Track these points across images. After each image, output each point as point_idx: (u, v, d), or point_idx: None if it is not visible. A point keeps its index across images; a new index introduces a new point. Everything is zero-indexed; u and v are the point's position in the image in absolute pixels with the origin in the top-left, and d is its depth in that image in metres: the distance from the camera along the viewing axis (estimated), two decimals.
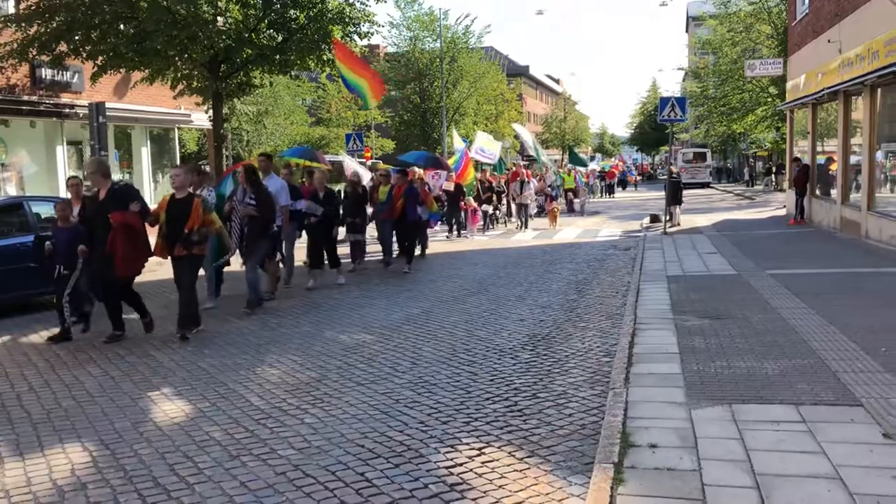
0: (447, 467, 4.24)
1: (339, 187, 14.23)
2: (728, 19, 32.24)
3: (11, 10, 15.78)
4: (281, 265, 10.83)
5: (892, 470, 3.78)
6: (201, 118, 20.90)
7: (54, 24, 14.59)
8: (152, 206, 8.61)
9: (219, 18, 15.94)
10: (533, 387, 5.70)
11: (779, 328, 6.91)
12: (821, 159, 18.73)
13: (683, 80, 55.45)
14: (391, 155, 29.63)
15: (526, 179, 20.75)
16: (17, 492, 4.13)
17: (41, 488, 4.16)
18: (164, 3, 14.13)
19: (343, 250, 12.12)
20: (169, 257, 7.93)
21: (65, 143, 18.01)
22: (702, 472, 3.85)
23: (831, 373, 5.43)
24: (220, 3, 15.56)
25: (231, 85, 17.21)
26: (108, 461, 4.50)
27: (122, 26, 15.26)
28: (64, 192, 13.31)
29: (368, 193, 13.40)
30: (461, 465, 4.27)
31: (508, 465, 4.24)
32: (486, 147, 22.00)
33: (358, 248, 12.86)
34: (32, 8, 14.52)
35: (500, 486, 3.97)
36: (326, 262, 11.18)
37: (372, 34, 17.16)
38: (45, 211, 10.06)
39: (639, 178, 59.15)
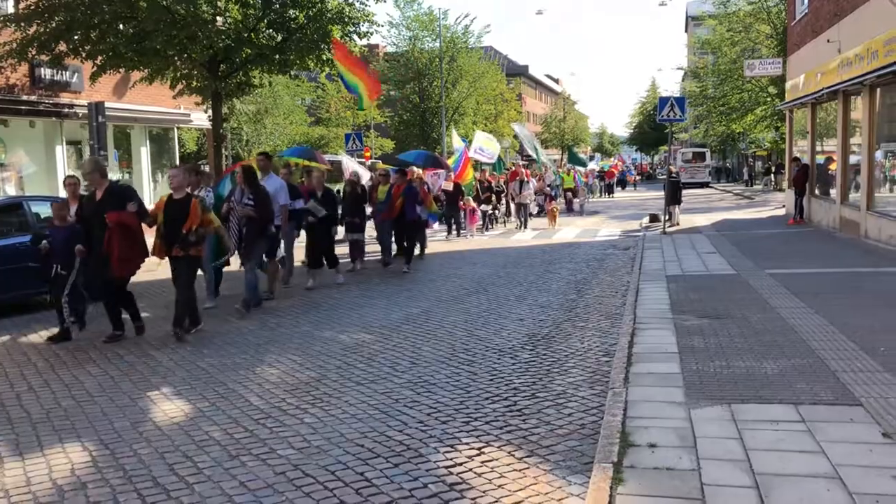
0: (446, 467, 4.24)
1: (338, 187, 14.22)
2: (727, 19, 32.25)
3: (11, 10, 15.78)
4: (280, 265, 10.82)
5: (891, 469, 3.78)
6: (200, 118, 20.90)
7: (53, 24, 14.59)
8: (151, 206, 8.60)
9: (218, 18, 15.94)
10: (532, 386, 5.70)
11: (778, 328, 6.92)
12: (820, 159, 18.73)
13: (683, 80, 55.48)
14: (390, 155, 29.59)
15: (525, 179, 20.77)
16: (17, 491, 4.13)
17: (41, 488, 4.16)
18: (164, 2, 14.13)
19: (342, 250, 12.11)
20: (167, 257, 7.93)
21: (64, 143, 18.01)
22: (701, 471, 3.86)
23: (830, 372, 5.44)
24: (219, 3, 15.55)
25: (230, 85, 17.21)
26: (108, 461, 4.51)
27: (121, 26, 15.26)
28: (63, 193, 13.29)
29: (367, 193, 13.41)
30: (460, 464, 4.27)
31: (508, 465, 4.25)
32: (486, 146, 22.00)
33: (357, 248, 12.86)
34: (32, 8, 14.50)
35: (499, 486, 3.98)
36: (326, 262, 11.18)
37: (371, 34, 17.16)
38: (45, 211, 10.02)
39: (638, 177, 59.25)
